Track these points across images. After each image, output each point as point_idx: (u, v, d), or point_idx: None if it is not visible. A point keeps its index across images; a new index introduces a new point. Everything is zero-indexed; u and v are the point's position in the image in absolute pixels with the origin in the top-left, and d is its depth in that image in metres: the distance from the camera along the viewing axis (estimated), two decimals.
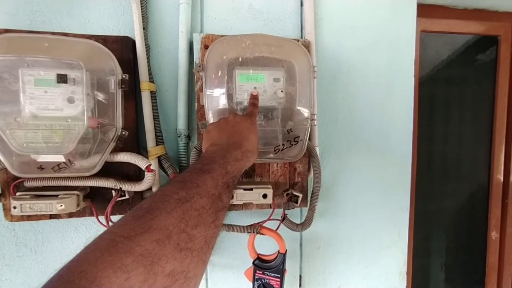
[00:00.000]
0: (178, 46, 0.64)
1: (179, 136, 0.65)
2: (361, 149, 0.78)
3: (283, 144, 0.60)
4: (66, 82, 0.49)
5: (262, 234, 0.59)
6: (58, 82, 0.49)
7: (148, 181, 0.54)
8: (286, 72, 0.61)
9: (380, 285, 0.86)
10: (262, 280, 0.59)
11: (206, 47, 0.63)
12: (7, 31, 0.55)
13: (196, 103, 0.63)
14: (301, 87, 0.61)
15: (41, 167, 0.50)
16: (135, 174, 0.61)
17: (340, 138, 0.76)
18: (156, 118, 0.62)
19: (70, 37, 0.54)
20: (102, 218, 0.57)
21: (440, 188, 1.05)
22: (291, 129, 0.61)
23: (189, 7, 0.64)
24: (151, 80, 0.62)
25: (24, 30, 0.55)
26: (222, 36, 0.62)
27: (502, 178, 1.07)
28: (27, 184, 0.52)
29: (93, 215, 0.58)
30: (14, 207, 0.48)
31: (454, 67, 1.02)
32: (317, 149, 0.68)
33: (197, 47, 0.62)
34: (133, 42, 0.60)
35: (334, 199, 0.77)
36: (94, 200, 0.59)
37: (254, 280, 0.60)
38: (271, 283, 0.59)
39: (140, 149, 0.63)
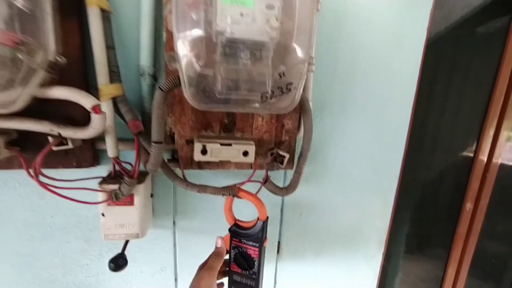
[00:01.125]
0: None
1: (141, 75, 0.51)
2: (357, 110, 0.69)
3: (272, 92, 0.49)
4: None
5: (240, 197, 0.50)
6: None
7: (95, 126, 0.42)
8: None
9: (358, 253, 0.84)
10: (239, 248, 0.51)
11: None
12: None
13: (164, 32, 0.48)
14: (300, 20, 0.48)
15: None
16: (83, 119, 0.48)
17: (335, 94, 0.66)
18: (110, 47, 0.47)
19: None
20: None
21: (426, 158, 1.02)
22: (283, 72, 0.49)
23: None
24: None
25: None
26: None
27: (487, 152, 1.05)
28: None
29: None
30: None
31: (465, 30, 0.92)
32: (310, 104, 0.57)
33: None
34: None
35: (322, 162, 0.70)
36: (25, 150, 0.45)
37: (230, 248, 0.52)
38: (248, 253, 0.51)
39: (90, 88, 0.49)
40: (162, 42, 0.51)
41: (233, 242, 0.52)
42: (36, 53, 0.39)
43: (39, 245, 0.55)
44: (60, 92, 0.40)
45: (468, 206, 1.11)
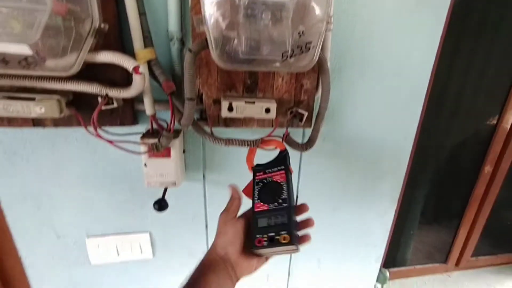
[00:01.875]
0: None
1: (171, 40, 0.56)
2: (374, 72, 0.70)
3: (292, 50, 0.52)
4: None
5: (263, 148, 0.55)
6: None
7: (136, 86, 0.48)
8: None
9: (372, 208, 0.90)
10: (264, 181, 0.47)
11: None
12: None
13: None
14: None
15: (4, 59, 0.43)
16: (123, 81, 0.54)
17: (353, 56, 0.67)
18: (142, 13, 0.51)
19: None
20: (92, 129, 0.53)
21: (445, 122, 1.01)
22: (303, 32, 0.51)
23: None
24: None
25: None
26: None
27: None
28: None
29: (81, 126, 0.54)
30: None
31: None
32: (329, 64, 0.60)
33: None
34: None
35: (339, 123, 0.73)
36: (79, 109, 0.53)
37: (254, 185, 0.48)
38: (275, 179, 0.46)
39: (125, 52, 0.54)
40: (188, 8, 0.54)
41: (256, 178, 0.49)
42: (84, 21, 0.44)
43: (95, 191, 0.66)
44: (106, 56, 0.46)
45: (487, 169, 1.11)
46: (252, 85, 0.59)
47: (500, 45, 0.92)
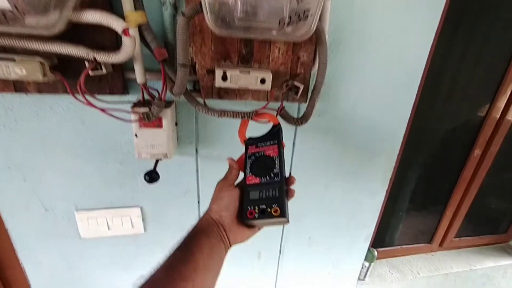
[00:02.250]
0: None
1: (163, 5, 0.53)
2: (372, 48, 0.68)
3: (289, 18, 0.50)
4: None
5: (256, 120, 0.54)
6: None
7: (126, 49, 0.45)
8: None
9: (364, 188, 0.91)
10: (256, 154, 0.47)
11: None
12: None
13: None
14: None
15: None
16: (111, 45, 0.51)
17: (352, 30, 0.65)
18: None
19: None
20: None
21: (439, 105, 1.01)
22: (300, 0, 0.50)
23: None
24: None
25: None
26: None
27: (506, 100, 1.04)
28: None
29: (67, 93, 0.51)
30: None
31: None
32: (327, 37, 0.58)
33: None
34: None
35: (335, 99, 0.72)
36: (66, 75, 0.50)
37: (246, 158, 0.48)
38: (267, 153, 0.46)
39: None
40: None
41: (248, 151, 0.49)
42: None
43: (84, 164, 0.65)
44: (93, 16, 0.43)
45: (477, 152, 1.14)
46: (247, 55, 0.57)
47: (498, 31, 0.92)
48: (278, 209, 0.39)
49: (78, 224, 0.72)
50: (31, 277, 0.77)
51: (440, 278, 1.35)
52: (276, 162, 0.45)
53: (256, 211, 0.40)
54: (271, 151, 0.47)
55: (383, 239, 1.30)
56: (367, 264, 1.16)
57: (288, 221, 0.40)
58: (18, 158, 0.61)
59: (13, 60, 0.43)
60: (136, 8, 0.50)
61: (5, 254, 0.73)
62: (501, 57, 0.97)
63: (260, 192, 0.42)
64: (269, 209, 0.40)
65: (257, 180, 0.44)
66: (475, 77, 0.99)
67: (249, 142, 0.51)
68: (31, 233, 0.71)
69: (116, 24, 0.44)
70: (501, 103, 1.05)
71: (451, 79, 0.96)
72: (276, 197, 0.41)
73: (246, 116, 0.55)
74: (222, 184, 0.44)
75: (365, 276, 1.20)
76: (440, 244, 1.41)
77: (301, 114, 0.66)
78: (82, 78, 0.46)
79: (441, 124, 1.06)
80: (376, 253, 1.14)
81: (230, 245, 0.41)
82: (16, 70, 0.43)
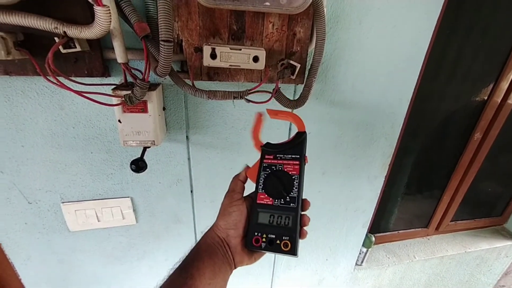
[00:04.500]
0: None
1: None
2: (373, 25, 0.64)
3: None
4: None
5: (249, 100, 0.49)
6: None
7: (100, 22, 0.40)
8: None
9: (363, 173, 0.89)
10: (273, 167, 0.39)
11: None
12: None
13: None
14: None
15: None
16: (84, 19, 0.46)
17: (351, 5, 0.60)
18: None
19: None
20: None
21: (441, 87, 0.98)
22: None
23: None
24: None
25: None
26: None
27: (508, 82, 1.00)
28: None
29: (39, 75, 0.46)
30: None
31: None
32: (325, 10, 0.53)
33: None
34: None
35: (333, 80, 0.68)
36: (34, 53, 0.45)
37: (260, 169, 0.39)
38: (286, 169, 0.38)
39: None
40: None
41: (264, 161, 0.40)
42: None
43: (67, 153, 0.60)
44: None
45: (477, 136, 1.11)
46: (238, 31, 0.52)
47: (504, 11, 0.87)
48: (289, 244, 0.34)
49: (65, 216, 0.68)
50: (21, 272, 0.74)
51: (435, 261, 1.36)
52: (295, 182, 0.37)
53: (264, 239, 0.35)
54: (291, 167, 0.38)
55: (379, 224, 1.30)
56: (364, 249, 1.16)
57: (297, 256, 0.35)
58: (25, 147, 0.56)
59: None
60: None
61: None
62: (506, 38, 0.93)
63: (271, 217, 0.37)
64: (278, 241, 0.35)
65: (269, 201, 0.38)
66: (479, 58, 0.95)
67: (267, 150, 0.41)
68: (16, 227, 0.67)
69: None
70: (504, 84, 1.01)
71: (454, 59, 0.92)
72: (289, 228, 0.35)
73: (238, 96, 0.50)
74: (230, 198, 0.38)
75: (362, 262, 1.20)
76: (437, 228, 1.42)
77: (297, 96, 0.62)
78: (50, 55, 0.41)
79: (441, 106, 1.03)
80: (373, 238, 1.14)
81: (235, 267, 0.37)
82: None
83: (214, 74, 0.54)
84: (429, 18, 0.66)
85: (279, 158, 0.40)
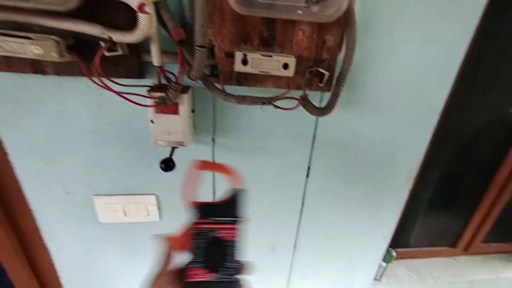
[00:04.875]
0: None
1: None
2: (405, 34, 0.62)
3: None
4: None
5: (278, 107, 0.50)
6: None
7: (142, 28, 0.43)
8: None
9: (386, 185, 0.86)
10: (208, 233, 0.32)
11: None
12: None
13: None
14: None
15: None
16: (126, 25, 0.49)
17: (383, 12, 0.59)
18: None
19: None
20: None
21: (476, 99, 0.92)
22: None
23: None
24: None
25: None
26: None
27: None
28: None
29: (85, 76, 0.50)
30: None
31: None
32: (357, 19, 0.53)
33: None
34: None
35: (360, 89, 0.67)
36: (82, 56, 0.49)
37: (193, 236, 0.32)
38: (222, 236, 0.32)
39: None
40: None
41: (197, 226, 0.32)
42: None
43: (101, 149, 0.64)
44: None
45: None
46: (269, 38, 0.53)
47: None
48: None
49: (96, 208, 0.72)
50: (55, 257, 0.79)
51: (464, 285, 1.27)
52: (234, 251, 0.32)
53: None
54: (228, 233, 0.32)
55: (401, 239, 1.24)
56: (384, 264, 1.11)
57: None
58: (40, 141, 0.61)
59: (29, 38, 0.42)
60: None
61: (30, 234, 0.76)
62: None
63: None
64: None
65: (206, 277, 0.31)
66: None
67: (202, 211, 0.33)
68: (54, 215, 0.72)
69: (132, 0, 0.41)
70: None
71: (492, 69, 0.87)
72: None
73: (266, 102, 0.51)
74: (156, 281, 0.31)
75: (381, 276, 1.15)
76: (465, 249, 1.32)
77: (324, 103, 0.62)
78: (97, 59, 0.44)
79: (475, 117, 0.97)
80: (394, 253, 1.09)
81: None
82: (32, 48, 0.42)
83: (243, 79, 0.56)
84: (465, 27, 0.64)
85: (214, 222, 0.33)
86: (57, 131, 0.61)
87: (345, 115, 0.70)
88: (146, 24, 0.42)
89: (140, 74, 0.55)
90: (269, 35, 0.53)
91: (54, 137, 0.62)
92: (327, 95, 0.64)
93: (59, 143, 0.62)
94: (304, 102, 0.56)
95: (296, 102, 0.55)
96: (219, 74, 0.55)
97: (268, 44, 0.54)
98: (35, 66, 0.50)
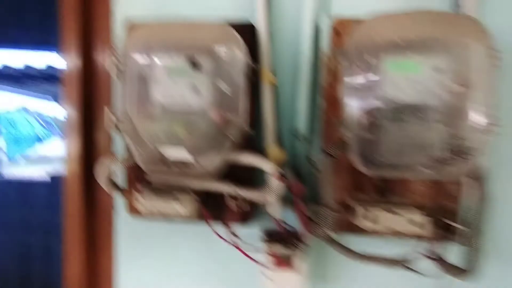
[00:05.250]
0: (299, 32, 0.55)
1: (297, 138, 0.55)
2: None
3: (444, 157, 0.44)
4: (199, 70, 0.44)
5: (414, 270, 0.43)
6: (194, 70, 0.44)
7: (276, 192, 0.45)
8: (454, 58, 0.45)
9: None
10: None
11: (337, 32, 0.52)
12: (137, 23, 0.54)
13: (321, 98, 0.53)
14: (475, 79, 0.45)
15: (165, 161, 0.46)
16: (247, 179, 0.54)
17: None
18: (275, 115, 0.54)
19: (201, 23, 0.50)
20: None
21: None
22: (457, 137, 0.45)
23: None
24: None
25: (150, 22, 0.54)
26: (355, 18, 0.51)
27: None
28: (151, 178, 0.49)
29: (201, 220, 0.52)
30: (141, 205, 0.45)
31: None
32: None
33: (326, 33, 0.53)
34: (254, 28, 0.54)
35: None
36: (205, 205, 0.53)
37: None
38: None
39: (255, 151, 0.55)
40: (318, 106, 0.55)
41: None
42: (234, 126, 0.47)
43: None
44: (248, 159, 0.47)
45: None
46: (385, 186, 0.52)
47: None
48: None
49: None
50: None
51: None
52: None
53: None
54: None
55: None
56: None
57: None
58: (163, 280, 0.61)
59: (175, 196, 0.47)
60: (276, 144, 0.53)
61: None
62: None
63: None
64: None
65: None
66: None
67: None
68: None
69: (269, 168, 0.45)
70: None
71: None
72: None
73: (398, 265, 0.44)
74: None
75: None
76: None
77: (459, 259, 0.52)
78: (229, 221, 0.46)
79: None
80: None
81: None
82: (178, 208, 0.46)
83: (359, 229, 0.52)
84: None
85: None
86: (178, 272, 0.61)
87: (487, 269, 0.56)
88: (280, 189, 0.45)
89: (253, 220, 0.56)
90: (385, 183, 0.52)
91: (169, 277, 0.61)
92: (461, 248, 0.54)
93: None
94: (440, 261, 0.47)
95: (431, 262, 0.47)
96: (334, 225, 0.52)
97: (383, 192, 0.52)
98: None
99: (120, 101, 0.47)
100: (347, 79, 0.46)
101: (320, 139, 0.54)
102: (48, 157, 4.24)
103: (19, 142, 4.02)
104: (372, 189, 0.52)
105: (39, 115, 4.59)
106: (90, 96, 0.64)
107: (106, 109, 0.49)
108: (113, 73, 0.47)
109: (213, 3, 0.59)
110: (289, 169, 0.52)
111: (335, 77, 0.53)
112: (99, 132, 0.63)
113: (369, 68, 0.45)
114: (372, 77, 0.44)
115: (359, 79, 0.45)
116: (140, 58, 0.46)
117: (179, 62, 0.45)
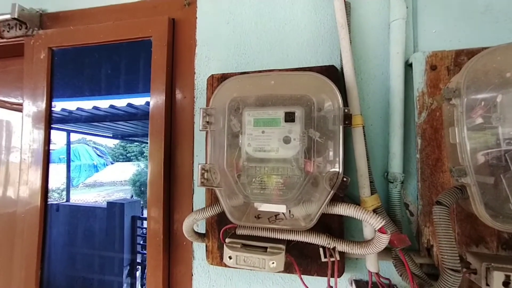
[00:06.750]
0: (390, 71, 0.52)
1: (391, 182, 0.50)
2: None
3: None
4: (294, 121, 0.43)
5: None
6: (286, 121, 0.44)
7: (379, 245, 0.41)
8: None
9: None
10: None
11: (432, 67, 0.48)
12: (223, 75, 0.57)
13: (419, 140, 0.48)
14: None
15: (258, 216, 0.45)
16: (338, 228, 0.50)
17: None
18: (367, 159, 0.50)
19: (292, 72, 0.50)
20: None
21: None
22: None
23: (404, 23, 0.52)
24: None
25: (236, 73, 0.56)
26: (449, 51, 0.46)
27: None
28: (239, 231, 0.47)
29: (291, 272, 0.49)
30: (230, 257, 0.43)
31: None
32: None
33: (420, 68, 0.49)
34: (337, 70, 0.53)
35: None
36: (292, 255, 0.50)
37: None
38: None
39: (345, 198, 0.52)
40: (412, 149, 0.51)
41: None
42: (330, 175, 0.44)
43: None
44: (345, 210, 0.43)
45: None
46: (511, 239, 0.43)
47: None
48: None
49: None
50: None
51: None
52: None
53: None
54: None
55: None
56: None
57: None
58: None
59: (264, 248, 0.45)
60: (371, 192, 0.48)
61: None
62: None
63: None
64: None
65: None
66: None
67: None
68: None
69: (374, 220, 0.41)
70: None
71: None
72: None
73: None
74: None
75: None
76: None
77: None
78: (330, 274, 0.42)
79: None
80: None
81: None
82: (269, 263, 0.43)
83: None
84: None
85: None
86: None
87: None
88: (385, 242, 0.40)
89: (343, 273, 0.51)
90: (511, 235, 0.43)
91: None
92: None
93: None
94: None
95: None
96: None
97: (510, 245, 0.43)
98: None
99: (208, 154, 0.48)
100: (465, 119, 0.40)
101: (417, 183, 0.49)
102: (103, 182, 4.67)
103: (82, 170, 4.51)
104: (495, 242, 0.44)
105: (96, 146, 5.16)
106: (172, 140, 0.65)
107: (198, 163, 0.49)
108: (201, 125, 0.47)
109: (293, 53, 0.59)
110: (385, 216, 0.47)
111: (433, 115, 0.48)
112: (180, 183, 0.64)
113: (494, 106, 0.39)
114: (497, 116, 0.38)
115: (479, 119, 0.39)
116: (231, 111, 0.47)
117: (272, 114, 0.45)
